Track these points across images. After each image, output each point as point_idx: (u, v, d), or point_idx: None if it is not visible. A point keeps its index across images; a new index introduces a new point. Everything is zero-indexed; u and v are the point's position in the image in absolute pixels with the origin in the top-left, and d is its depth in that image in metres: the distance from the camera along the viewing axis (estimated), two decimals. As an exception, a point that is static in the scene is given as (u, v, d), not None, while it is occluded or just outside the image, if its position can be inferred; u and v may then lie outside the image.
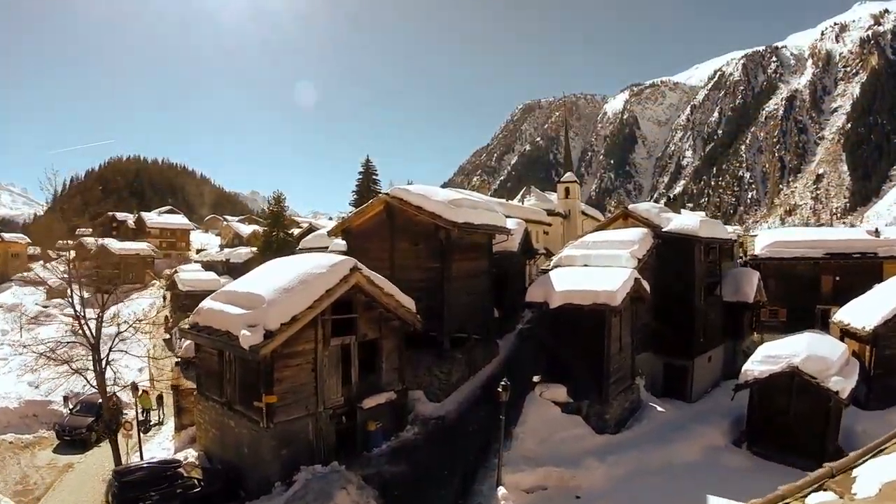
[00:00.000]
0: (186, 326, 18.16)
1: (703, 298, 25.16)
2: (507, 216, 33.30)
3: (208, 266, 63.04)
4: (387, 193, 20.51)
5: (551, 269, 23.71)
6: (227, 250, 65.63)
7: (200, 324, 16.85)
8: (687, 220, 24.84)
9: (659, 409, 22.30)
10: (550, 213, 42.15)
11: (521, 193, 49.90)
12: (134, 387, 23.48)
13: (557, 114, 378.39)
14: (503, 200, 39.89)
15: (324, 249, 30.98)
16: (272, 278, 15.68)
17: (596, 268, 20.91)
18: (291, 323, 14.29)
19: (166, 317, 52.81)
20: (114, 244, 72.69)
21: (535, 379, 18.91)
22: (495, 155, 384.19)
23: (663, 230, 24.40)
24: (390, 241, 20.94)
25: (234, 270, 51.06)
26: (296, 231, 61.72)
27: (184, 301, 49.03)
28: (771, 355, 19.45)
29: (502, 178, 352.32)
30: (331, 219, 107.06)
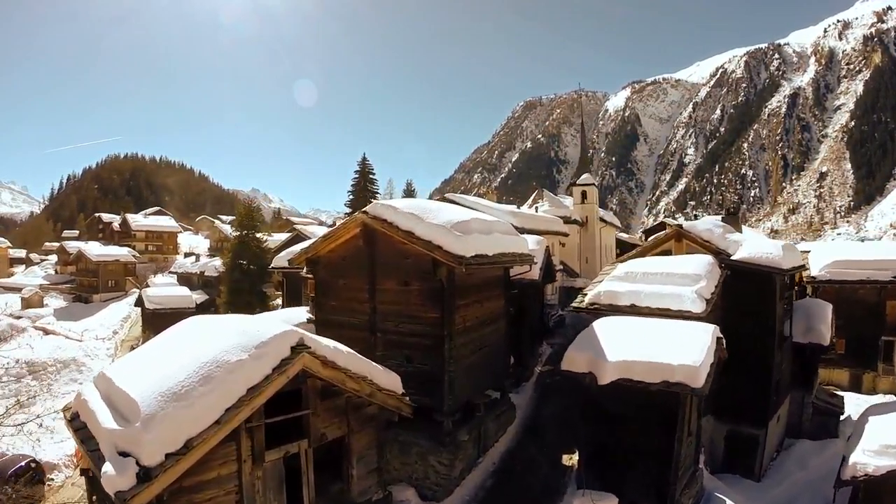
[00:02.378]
0: (68, 414, 11.99)
1: (780, 345, 19.03)
2: (521, 228, 27.20)
3: (183, 279, 56.81)
4: (365, 212, 14.32)
5: (584, 304, 17.66)
6: (202, 261, 59.16)
7: (80, 417, 10.73)
8: (763, 247, 18.55)
9: (728, 502, 16.16)
10: (566, 220, 36.05)
11: (531, 198, 43.66)
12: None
13: (559, 111, 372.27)
14: (514, 208, 33.62)
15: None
16: (170, 362, 9.53)
17: (659, 320, 14.72)
18: (186, 453, 8.17)
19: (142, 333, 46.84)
20: (92, 250, 66.54)
21: (576, 500, 12.77)
22: (496, 152, 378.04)
23: (732, 258, 18.20)
24: (370, 277, 14.83)
25: (208, 285, 45.11)
26: (284, 236, 55.41)
27: (152, 320, 43.20)
28: (893, 445, 13.49)
29: (503, 175, 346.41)
30: (321, 223, 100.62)
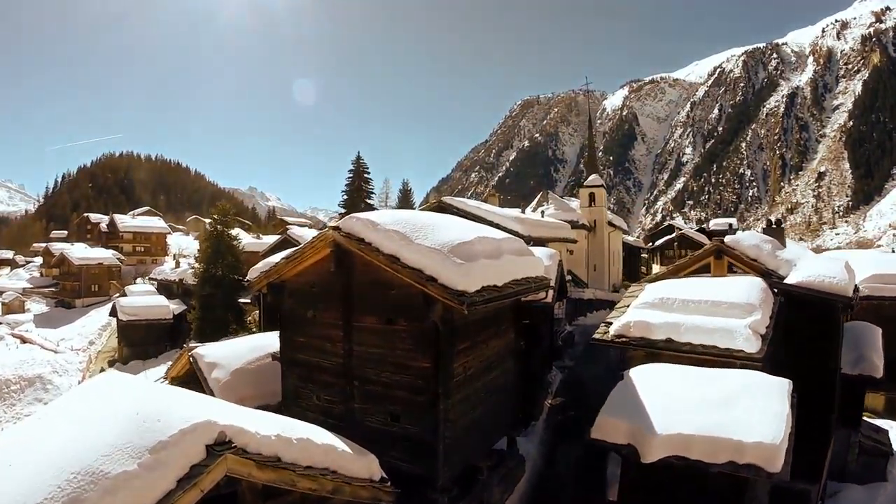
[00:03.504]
0: None
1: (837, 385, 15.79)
2: (528, 237, 23.96)
3: (163, 287, 53.11)
4: (337, 228, 11.02)
5: (609, 335, 14.44)
6: (182, 266, 55.29)
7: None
8: (822, 268, 15.19)
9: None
10: (574, 225, 32.79)
11: (536, 200, 40.34)
12: None
13: (556, 110, 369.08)
14: (519, 213, 30.17)
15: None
16: (23, 470, 6.26)
17: (715, 371, 11.45)
18: None
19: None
20: (75, 252, 62.91)
21: None
22: (493, 151, 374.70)
23: (786, 282, 14.96)
24: (345, 311, 11.56)
25: (189, 294, 41.67)
26: (273, 239, 51.87)
27: (126, 333, 39.75)
28: None
29: (501, 174, 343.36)
30: (315, 224, 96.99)
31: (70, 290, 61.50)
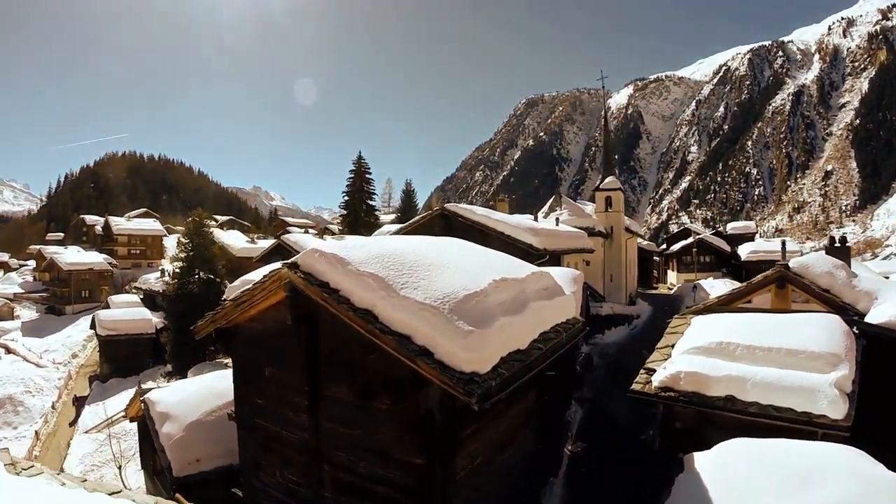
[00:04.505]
0: None
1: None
2: (543, 251, 20.88)
3: (148, 297, 49.91)
4: (294, 265, 7.95)
5: (653, 387, 11.40)
6: (168, 277, 51.62)
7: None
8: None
9: None
10: (590, 232, 29.59)
11: (548, 205, 36.82)
12: None
13: (561, 108, 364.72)
14: (532, 221, 26.42)
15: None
16: None
17: (810, 461, 8.36)
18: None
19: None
20: (66, 257, 59.86)
21: None
22: (498, 150, 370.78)
23: (871, 321, 11.84)
24: (310, 374, 8.51)
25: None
26: (267, 242, 48.58)
27: (106, 348, 36.70)
28: None
29: (505, 173, 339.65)
30: (317, 226, 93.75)
31: (60, 297, 58.62)
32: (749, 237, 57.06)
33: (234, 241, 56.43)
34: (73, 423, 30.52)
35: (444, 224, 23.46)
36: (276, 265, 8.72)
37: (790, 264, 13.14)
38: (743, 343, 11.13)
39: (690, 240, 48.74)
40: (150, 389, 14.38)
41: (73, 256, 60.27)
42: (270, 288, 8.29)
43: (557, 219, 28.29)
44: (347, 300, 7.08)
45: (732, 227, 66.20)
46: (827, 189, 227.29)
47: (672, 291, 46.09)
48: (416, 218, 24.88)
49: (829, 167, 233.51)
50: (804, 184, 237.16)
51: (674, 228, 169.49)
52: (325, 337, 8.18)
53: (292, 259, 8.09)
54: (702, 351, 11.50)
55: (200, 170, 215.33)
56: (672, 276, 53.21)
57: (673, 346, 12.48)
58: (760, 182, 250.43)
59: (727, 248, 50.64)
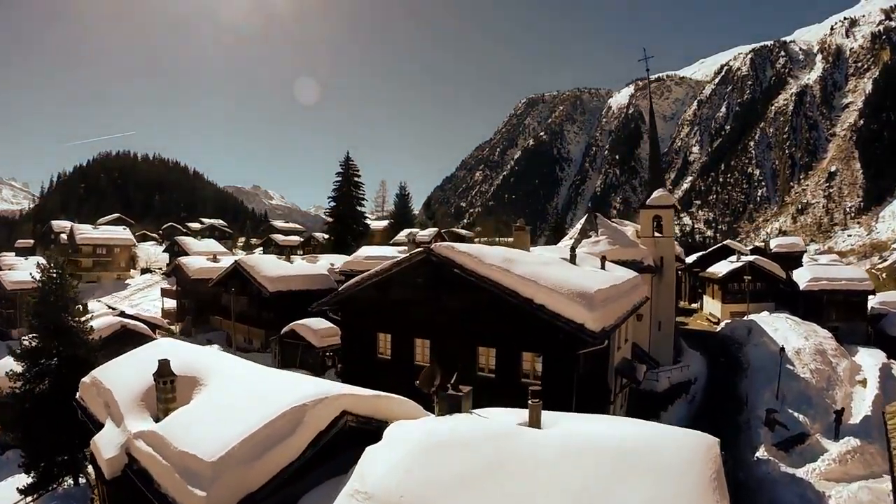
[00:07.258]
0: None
1: None
2: (604, 332, 12.40)
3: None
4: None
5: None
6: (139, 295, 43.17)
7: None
8: None
9: None
10: (639, 268, 21.03)
11: (578, 227, 27.43)
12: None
13: (561, 108, 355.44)
14: (566, 263, 17.40)
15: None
16: None
17: None
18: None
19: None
20: (10, 276, 50.81)
21: None
22: (498, 149, 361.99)
23: None
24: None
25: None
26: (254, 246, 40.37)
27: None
28: None
29: (505, 173, 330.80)
30: (304, 232, 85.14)
31: (5, 319, 49.85)
32: (796, 256, 48.22)
33: (192, 261, 46.83)
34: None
35: (432, 274, 15.12)
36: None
37: None
38: None
39: (738, 263, 39.63)
40: None
41: (14, 276, 50.09)
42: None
43: (604, 258, 19.01)
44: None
45: (777, 244, 56.10)
46: (831, 190, 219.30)
47: (718, 329, 37.54)
48: (386, 265, 15.97)
49: (833, 168, 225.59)
50: (807, 185, 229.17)
51: (676, 231, 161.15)
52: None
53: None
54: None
55: (196, 170, 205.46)
56: (713, 305, 45.25)
57: None
58: (763, 183, 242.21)
59: (781, 273, 40.86)
